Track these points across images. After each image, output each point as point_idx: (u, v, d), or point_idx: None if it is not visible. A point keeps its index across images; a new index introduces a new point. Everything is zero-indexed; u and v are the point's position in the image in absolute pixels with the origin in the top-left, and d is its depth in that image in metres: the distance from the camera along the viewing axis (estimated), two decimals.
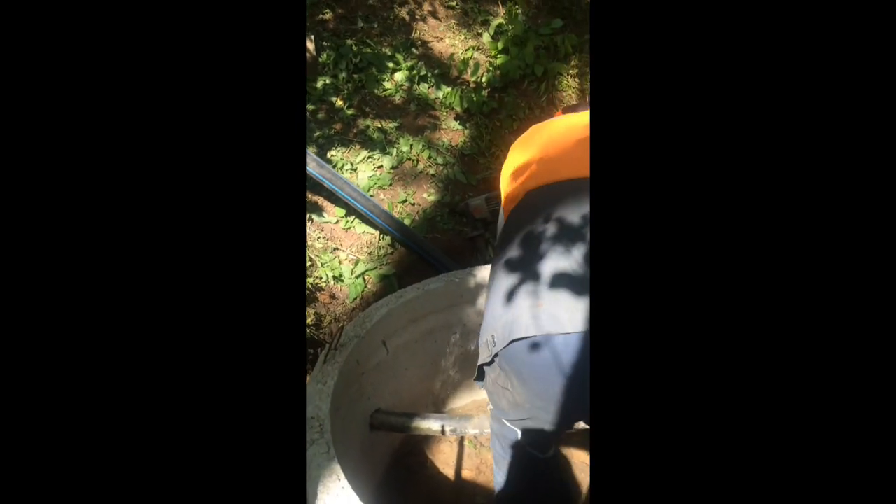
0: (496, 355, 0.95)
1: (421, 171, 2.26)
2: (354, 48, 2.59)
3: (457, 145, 2.41)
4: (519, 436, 1.05)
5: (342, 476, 1.05)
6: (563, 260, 0.92)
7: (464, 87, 2.57)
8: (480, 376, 1.06)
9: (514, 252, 0.99)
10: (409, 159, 2.28)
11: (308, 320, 1.62)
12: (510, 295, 0.94)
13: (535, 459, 1.06)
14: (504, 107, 2.54)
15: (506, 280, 0.96)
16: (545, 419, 0.97)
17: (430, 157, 2.31)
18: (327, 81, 2.44)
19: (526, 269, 0.95)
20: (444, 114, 2.53)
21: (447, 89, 2.53)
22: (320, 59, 2.49)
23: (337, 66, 2.51)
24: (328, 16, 2.79)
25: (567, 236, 0.95)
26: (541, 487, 1.10)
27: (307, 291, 1.69)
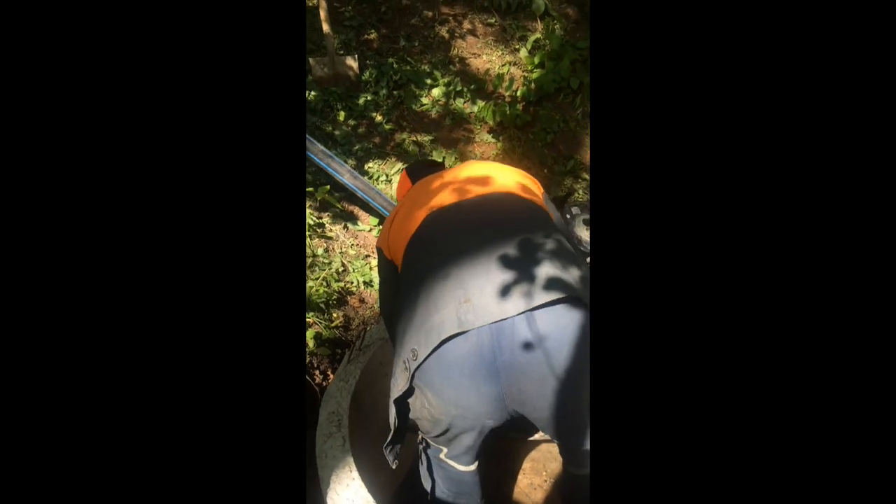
0: (413, 376, 0.89)
1: None
2: (395, 66, 2.72)
3: (488, 158, 2.46)
4: (443, 452, 1.01)
5: (354, 468, 1.11)
6: (485, 253, 0.90)
7: (498, 102, 2.62)
8: (403, 418, 0.96)
9: (428, 268, 0.94)
10: None
11: (337, 322, 1.71)
12: (434, 303, 0.88)
13: (457, 474, 1.03)
14: (538, 120, 2.57)
15: (426, 293, 0.90)
16: (463, 426, 0.93)
17: None
18: (368, 98, 2.57)
19: (447, 275, 0.90)
20: (479, 127, 2.59)
21: (482, 103, 2.59)
22: (363, 77, 2.64)
23: (378, 84, 2.64)
24: (373, 35, 2.95)
25: (488, 228, 0.95)
26: (465, 501, 1.07)
27: (338, 295, 1.78)
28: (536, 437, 1.62)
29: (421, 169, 1.31)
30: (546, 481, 1.60)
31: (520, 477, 1.66)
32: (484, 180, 1.09)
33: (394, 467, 1.01)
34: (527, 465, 1.67)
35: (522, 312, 0.83)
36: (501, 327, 0.83)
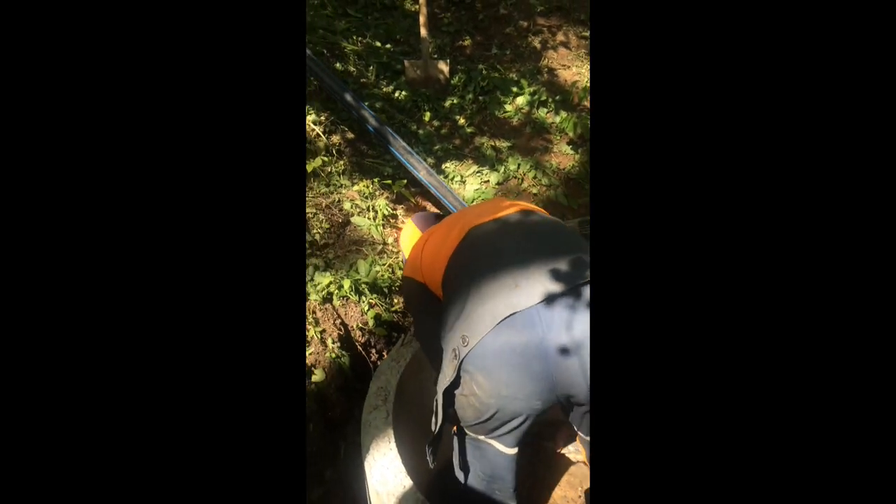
0: (461, 361, 0.93)
1: (524, 190, 2.35)
2: (484, 72, 2.80)
3: (564, 169, 2.46)
4: (484, 437, 1.04)
5: (393, 440, 1.20)
6: (532, 251, 0.98)
7: (581, 114, 2.61)
8: (447, 409, 0.99)
9: (475, 270, 1.00)
10: (515, 177, 2.39)
11: (397, 307, 1.82)
12: (485, 294, 0.94)
13: (495, 455, 1.05)
14: None
15: (476, 290, 0.96)
16: (512, 409, 0.95)
17: (535, 178, 2.39)
18: (455, 101, 2.68)
19: (495, 272, 0.96)
20: (558, 138, 2.60)
21: (564, 114, 2.60)
22: (452, 81, 2.75)
23: (466, 88, 2.74)
24: (467, 42, 3.06)
25: (527, 233, 1.04)
26: (498, 486, 1.09)
27: (401, 283, 1.89)
28: (571, 450, 1.62)
29: (429, 221, 1.40)
30: (580, 497, 1.59)
31: (555, 488, 1.66)
32: (511, 204, 1.18)
33: (431, 467, 1.07)
34: (564, 478, 1.66)
35: (570, 288, 0.89)
36: (549, 306, 0.89)
